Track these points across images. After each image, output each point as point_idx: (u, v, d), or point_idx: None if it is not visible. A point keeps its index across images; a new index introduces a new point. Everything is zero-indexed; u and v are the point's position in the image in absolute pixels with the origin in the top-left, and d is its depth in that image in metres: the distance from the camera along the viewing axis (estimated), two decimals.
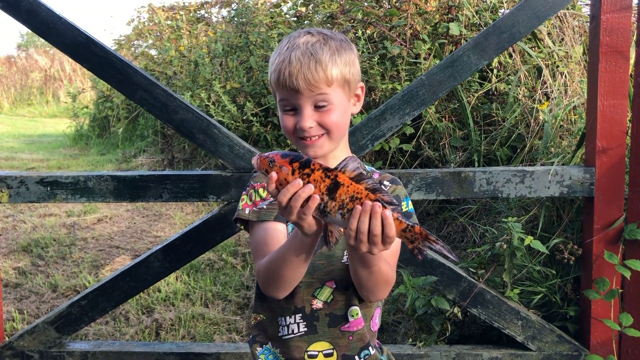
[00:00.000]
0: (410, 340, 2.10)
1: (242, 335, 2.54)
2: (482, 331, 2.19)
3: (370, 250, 0.99)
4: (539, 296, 2.05)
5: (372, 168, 1.32)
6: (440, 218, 3.17)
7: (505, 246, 1.95)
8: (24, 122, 11.57)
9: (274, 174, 0.98)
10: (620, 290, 1.92)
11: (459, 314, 2.02)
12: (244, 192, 1.25)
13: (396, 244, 1.17)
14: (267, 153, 1.02)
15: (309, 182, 0.97)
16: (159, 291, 2.93)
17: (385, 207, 0.97)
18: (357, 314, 1.21)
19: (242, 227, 1.25)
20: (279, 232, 1.19)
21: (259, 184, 1.24)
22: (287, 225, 1.21)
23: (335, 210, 0.98)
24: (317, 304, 1.20)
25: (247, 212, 1.22)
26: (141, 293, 2.85)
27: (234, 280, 3.04)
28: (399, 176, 1.92)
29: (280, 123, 1.21)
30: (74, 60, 2.00)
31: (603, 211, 1.92)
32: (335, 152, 1.23)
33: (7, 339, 2.12)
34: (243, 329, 2.59)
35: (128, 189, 1.98)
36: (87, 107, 8.68)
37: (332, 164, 1.22)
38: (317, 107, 1.16)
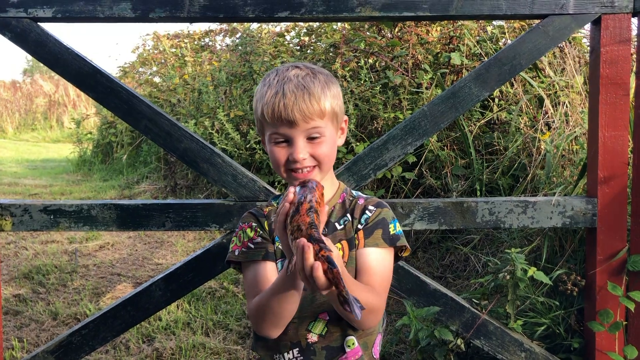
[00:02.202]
0: None
1: None
2: None
3: (313, 288, 0.97)
4: (543, 327, 2.03)
5: (359, 193, 1.32)
6: (442, 248, 3.16)
7: (508, 277, 1.95)
8: (27, 147, 11.63)
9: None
10: (624, 323, 1.90)
11: (462, 345, 2.00)
12: (234, 235, 1.27)
13: (383, 268, 1.17)
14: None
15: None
16: (160, 319, 2.91)
17: (314, 242, 0.96)
18: (353, 344, 1.20)
19: (235, 268, 1.25)
20: (267, 271, 1.19)
21: (246, 224, 1.25)
22: (276, 264, 1.22)
23: (289, 233, 1.01)
24: (312, 337, 1.20)
25: (236, 253, 1.24)
26: (142, 321, 2.83)
27: (235, 309, 3.02)
28: (402, 206, 1.93)
29: (270, 156, 1.22)
30: (81, 90, 2.02)
31: (606, 242, 1.92)
32: (327, 177, 1.25)
33: None
34: (244, 359, 2.56)
35: (131, 218, 1.98)
36: (90, 133, 8.75)
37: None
38: (310, 139, 1.17)
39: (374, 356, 1.25)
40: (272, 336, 1.17)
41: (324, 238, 0.97)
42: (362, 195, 1.30)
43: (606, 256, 1.91)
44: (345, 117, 1.28)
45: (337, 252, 1.00)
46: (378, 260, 1.18)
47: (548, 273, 2.03)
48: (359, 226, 1.22)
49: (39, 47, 1.93)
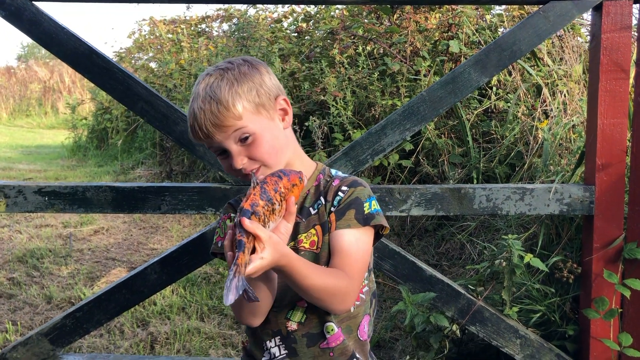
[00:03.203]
0: (408, 357, 2.08)
1: (238, 350, 2.51)
2: (480, 349, 2.17)
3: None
4: (538, 315, 2.04)
5: (338, 173, 1.27)
6: (439, 235, 3.16)
7: (504, 264, 1.94)
8: (22, 133, 11.56)
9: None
10: (619, 310, 1.90)
11: (458, 332, 2.00)
12: (217, 225, 1.26)
13: (356, 249, 1.14)
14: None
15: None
16: (155, 304, 2.90)
17: (233, 228, 0.97)
18: (332, 330, 1.18)
19: (221, 259, 1.25)
20: None
21: (226, 215, 1.24)
22: None
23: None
24: (292, 325, 1.18)
25: (219, 245, 1.22)
26: (136, 306, 2.83)
27: None
28: (399, 192, 1.92)
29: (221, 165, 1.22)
30: (76, 70, 1.99)
31: (602, 230, 1.91)
32: (291, 163, 1.22)
33: None
34: (239, 344, 2.56)
35: (126, 200, 1.97)
36: (85, 119, 8.69)
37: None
38: (242, 141, 1.14)
39: (361, 338, 1.23)
40: (253, 325, 1.17)
41: (248, 223, 0.93)
42: (340, 175, 1.25)
43: (603, 244, 1.91)
44: (283, 97, 1.21)
45: (269, 235, 0.96)
46: (351, 242, 1.14)
47: (544, 260, 2.03)
48: (332, 209, 1.18)
49: (33, 26, 1.90)
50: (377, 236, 1.21)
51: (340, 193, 1.19)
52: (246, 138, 1.13)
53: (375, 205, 1.19)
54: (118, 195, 1.97)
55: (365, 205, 1.17)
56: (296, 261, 1.02)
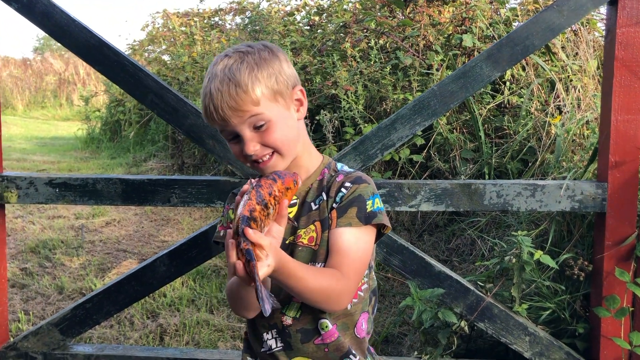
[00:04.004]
0: (416, 353, 2.07)
1: None
2: (489, 346, 2.16)
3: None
4: (548, 312, 2.02)
5: (344, 167, 1.25)
6: (449, 230, 3.14)
7: (514, 260, 1.93)
8: (37, 124, 11.67)
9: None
10: (631, 309, 1.88)
11: (466, 328, 1.99)
12: (221, 215, 1.25)
13: (355, 249, 1.12)
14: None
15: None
16: (165, 296, 2.92)
17: (236, 238, 0.95)
18: (327, 327, 1.17)
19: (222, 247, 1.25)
20: None
21: (229, 205, 1.24)
22: None
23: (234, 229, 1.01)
24: (287, 320, 1.18)
25: (221, 234, 1.22)
26: (146, 297, 2.85)
27: None
28: (408, 187, 1.91)
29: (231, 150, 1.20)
30: (87, 62, 2.00)
31: (615, 227, 1.89)
32: (298, 161, 1.20)
33: (11, 339, 2.12)
34: None
35: (136, 193, 1.98)
36: (99, 111, 8.75)
37: (300, 174, 1.18)
38: (256, 128, 1.12)
39: (358, 336, 1.21)
40: (248, 317, 1.18)
41: (252, 233, 0.93)
42: (345, 170, 1.22)
43: (615, 241, 1.89)
44: (300, 88, 1.18)
45: (270, 241, 0.96)
46: (351, 241, 1.12)
47: (555, 257, 2.01)
48: (334, 205, 1.15)
49: (45, 18, 1.91)
50: (379, 234, 1.19)
51: (343, 189, 1.16)
52: (261, 125, 1.11)
53: (378, 203, 1.16)
54: (128, 188, 1.98)
55: (368, 203, 1.15)
56: (291, 264, 1.01)
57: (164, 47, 7.70)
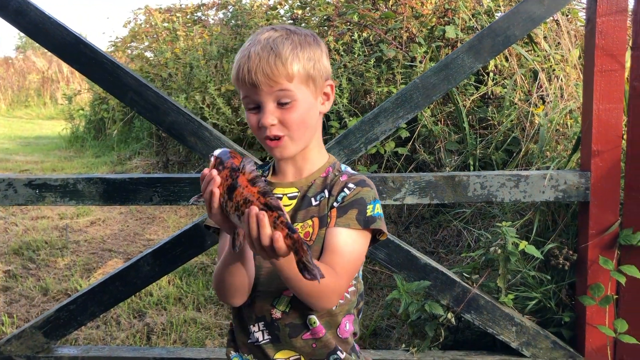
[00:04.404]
0: (404, 345, 2.07)
1: None
2: (476, 337, 2.16)
3: (267, 257, 0.95)
4: (534, 302, 2.03)
5: (347, 169, 1.25)
6: (435, 222, 3.14)
7: (499, 251, 1.93)
8: (20, 123, 11.52)
9: (205, 170, 1.01)
10: (615, 296, 1.89)
11: (453, 320, 1.99)
12: None
13: (350, 250, 1.12)
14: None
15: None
16: (151, 295, 2.89)
17: (269, 211, 0.92)
18: (315, 323, 1.17)
19: (214, 232, 1.24)
20: None
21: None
22: None
23: (232, 211, 0.97)
24: (276, 313, 1.17)
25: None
26: (133, 297, 2.82)
27: None
28: (393, 180, 1.90)
29: (247, 122, 1.18)
30: (63, 61, 1.97)
31: (598, 216, 1.90)
32: (307, 153, 1.19)
33: None
34: None
35: (118, 192, 1.95)
36: (82, 109, 8.65)
37: (305, 167, 1.20)
38: (280, 105, 1.12)
39: (340, 336, 1.21)
40: (235, 304, 1.16)
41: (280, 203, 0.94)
42: (349, 171, 1.24)
43: (598, 230, 1.90)
44: (331, 82, 1.20)
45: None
46: (347, 242, 1.12)
47: (540, 247, 2.02)
48: (335, 204, 1.15)
49: (19, 16, 1.87)
50: (374, 240, 1.19)
51: (346, 190, 1.17)
52: (286, 103, 1.12)
53: (378, 209, 1.17)
54: (109, 187, 1.95)
55: (368, 207, 1.15)
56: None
57: (146, 43, 7.62)
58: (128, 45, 8.07)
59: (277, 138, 1.13)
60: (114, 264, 3.35)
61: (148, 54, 7.24)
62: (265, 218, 0.91)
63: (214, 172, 0.99)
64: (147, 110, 1.94)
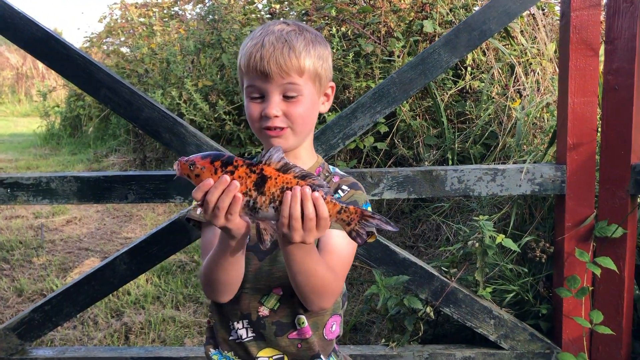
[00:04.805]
0: (384, 340, 2.07)
1: None
2: (455, 330, 2.17)
3: (304, 238, 0.95)
4: (512, 294, 2.04)
5: (336, 169, 1.26)
6: (414, 216, 3.15)
7: (477, 245, 1.94)
8: None
9: (209, 181, 0.93)
10: (591, 288, 1.92)
11: (432, 314, 2.00)
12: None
13: (346, 252, 1.13)
14: (187, 157, 0.96)
15: (234, 179, 0.93)
16: (129, 294, 2.86)
17: (317, 190, 0.94)
18: (303, 323, 1.16)
19: (194, 226, 1.21)
20: None
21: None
22: None
23: (266, 204, 0.94)
24: (264, 311, 1.16)
25: (198, 212, 1.18)
26: (110, 296, 2.79)
27: None
28: (371, 175, 1.90)
29: (246, 112, 1.16)
30: (34, 56, 1.92)
31: (574, 209, 1.92)
32: (299, 152, 1.18)
33: None
34: None
35: (92, 190, 1.92)
36: (58, 106, 8.51)
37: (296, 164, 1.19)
38: (286, 98, 1.11)
39: (326, 337, 1.21)
40: (222, 301, 1.14)
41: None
42: (339, 172, 1.24)
43: (574, 223, 1.92)
44: (332, 84, 1.21)
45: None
46: (343, 242, 1.12)
47: (517, 240, 2.03)
48: None
49: None
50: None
51: (340, 191, 1.17)
52: (292, 96, 1.11)
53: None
54: (83, 186, 1.91)
55: None
56: (314, 247, 1.02)
57: (122, 39, 7.52)
58: (104, 40, 7.95)
59: (279, 129, 1.12)
60: (91, 263, 3.30)
61: (124, 50, 7.15)
62: (317, 194, 0.93)
63: (225, 177, 0.92)
64: (121, 107, 1.91)
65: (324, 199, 0.94)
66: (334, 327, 1.23)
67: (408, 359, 2.00)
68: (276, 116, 1.11)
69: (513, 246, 1.92)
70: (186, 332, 2.54)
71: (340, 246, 1.12)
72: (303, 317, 1.16)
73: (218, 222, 0.94)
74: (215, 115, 4.08)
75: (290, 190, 0.93)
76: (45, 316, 2.00)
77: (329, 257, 1.10)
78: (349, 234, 0.97)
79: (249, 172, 0.94)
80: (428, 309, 1.98)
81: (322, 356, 1.19)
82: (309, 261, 1.02)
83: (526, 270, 2.05)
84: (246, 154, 3.86)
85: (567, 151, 1.90)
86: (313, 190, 0.93)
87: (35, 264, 3.32)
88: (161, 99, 4.54)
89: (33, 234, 3.79)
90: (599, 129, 1.94)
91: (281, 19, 1.20)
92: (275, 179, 0.93)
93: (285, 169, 0.94)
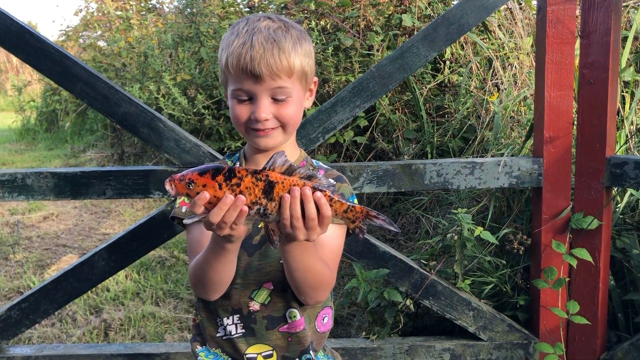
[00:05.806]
0: (364, 333, 2.09)
1: None
2: (435, 322, 2.20)
3: (308, 236, 0.95)
4: (490, 286, 2.07)
5: (320, 163, 1.26)
6: (394, 209, 3.17)
7: (455, 237, 1.96)
8: None
9: (204, 194, 0.89)
10: (567, 279, 1.95)
11: (412, 306, 2.01)
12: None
13: (337, 245, 1.14)
14: (180, 174, 0.90)
15: (240, 191, 0.91)
16: (108, 290, 2.83)
17: (322, 190, 0.94)
18: (295, 316, 1.17)
19: (179, 224, 1.20)
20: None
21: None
22: None
23: (276, 209, 0.94)
24: (254, 306, 1.16)
25: (183, 210, 1.17)
26: (89, 293, 2.76)
27: (186, 278, 2.97)
28: (351, 169, 1.90)
29: (231, 112, 1.14)
30: (8, 51, 1.89)
31: (551, 201, 1.94)
32: (283, 147, 1.18)
33: None
34: None
35: (69, 186, 1.89)
36: (33, 101, 8.37)
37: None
38: (275, 100, 1.10)
39: (318, 330, 1.22)
40: (211, 299, 1.14)
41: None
42: (323, 166, 1.24)
43: (551, 215, 1.94)
44: (315, 79, 1.20)
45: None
46: (332, 236, 1.12)
47: (495, 233, 2.05)
48: None
49: None
50: (347, 234, 1.20)
51: None
52: (282, 99, 1.10)
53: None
54: (60, 181, 1.89)
55: None
56: (310, 244, 1.02)
57: (99, 32, 7.41)
58: (80, 34, 7.83)
59: (269, 129, 1.12)
60: (69, 260, 3.26)
61: (101, 43, 7.04)
62: (319, 194, 0.93)
63: (230, 197, 0.89)
64: (98, 102, 1.88)
65: (331, 198, 0.95)
66: (326, 320, 1.23)
67: (388, 351, 2.02)
68: (267, 119, 1.10)
69: (491, 238, 1.94)
70: (166, 328, 2.52)
71: (332, 240, 1.13)
72: (295, 311, 1.17)
73: (222, 233, 0.93)
74: (194, 110, 4.05)
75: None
76: (22, 314, 1.97)
77: (322, 250, 1.11)
78: (353, 230, 0.99)
79: (256, 180, 0.92)
80: (408, 302, 2.00)
81: (311, 351, 1.20)
82: (308, 257, 1.03)
83: (504, 262, 2.07)
84: (225, 149, 3.84)
85: (543, 144, 1.93)
86: (318, 191, 0.94)
87: (11, 261, 3.27)
88: (139, 93, 4.49)
89: (9, 231, 3.73)
90: (575, 123, 1.97)
91: (261, 12, 1.18)
92: (282, 183, 0.93)
93: (289, 171, 0.94)
